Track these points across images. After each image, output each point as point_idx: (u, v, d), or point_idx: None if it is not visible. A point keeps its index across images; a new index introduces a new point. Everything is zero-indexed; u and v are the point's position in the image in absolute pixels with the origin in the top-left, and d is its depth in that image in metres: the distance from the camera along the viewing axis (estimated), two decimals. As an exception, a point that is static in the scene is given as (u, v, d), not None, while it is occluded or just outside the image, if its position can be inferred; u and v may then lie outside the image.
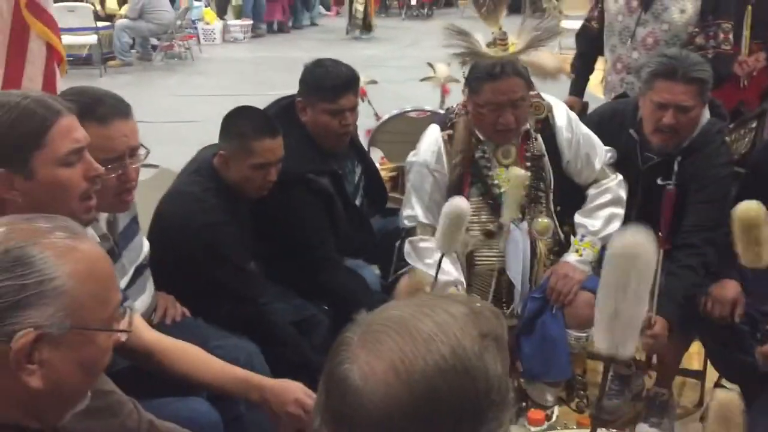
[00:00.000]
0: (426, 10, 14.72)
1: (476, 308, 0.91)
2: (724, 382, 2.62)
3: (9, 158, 1.34)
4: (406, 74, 7.47)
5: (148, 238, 2.07)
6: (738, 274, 2.38)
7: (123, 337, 1.10)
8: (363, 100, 3.74)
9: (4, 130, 1.33)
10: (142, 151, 1.71)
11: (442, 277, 2.37)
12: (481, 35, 2.32)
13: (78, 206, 1.41)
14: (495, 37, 2.29)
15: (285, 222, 2.41)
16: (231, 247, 2.19)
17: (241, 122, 2.24)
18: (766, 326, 2.19)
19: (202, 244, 2.14)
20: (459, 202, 1.90)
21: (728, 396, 1.25)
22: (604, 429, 2.08)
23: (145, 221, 2.14)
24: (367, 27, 11.82)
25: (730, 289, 2.35)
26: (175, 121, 6.64)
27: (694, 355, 2.78)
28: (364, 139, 3.49)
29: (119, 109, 1.67)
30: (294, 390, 1.66)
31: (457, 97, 2.84)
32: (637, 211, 2.58)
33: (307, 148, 2.46)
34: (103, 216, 1.79)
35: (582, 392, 2.64)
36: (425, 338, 0.84)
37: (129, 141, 1.67)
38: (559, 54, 3.24)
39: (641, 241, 1.29)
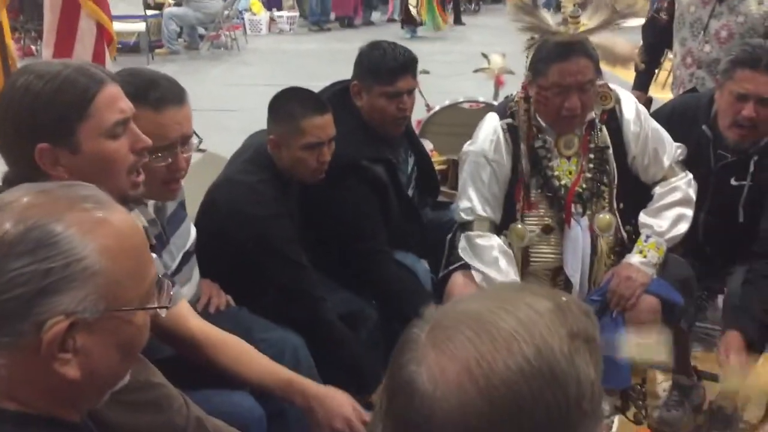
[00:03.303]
0: (473, 5, 14.56)
1: (563, 304, 0.78)
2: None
3: (53, 132, 1.25)
4: (452, 69, 7.36)
5: (196, 225, 2.00)
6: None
7: (163, 312, 1.00)
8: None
9: (46, 101, 1.24)
10: (194, 140, 1.63)
11: (498, 278, 2.26)
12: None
13: (125, 181, 1.33)
14: (565, 15, 2.16)
15: (335, 211, 2.32)
16: (285, 240, 2.11)
17: (288, 103, 2.16)
18: None
19: (255, 236, 2.06)
20: None
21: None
22: None
23: (190, 206, 2.07)
24: (411, 20, 11.64)
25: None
26: (220, 110, 6.63)
27: (761, 369, 2.61)
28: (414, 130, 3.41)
29: (174, 94, 1.58)
30: (341, 403, 1.58)
31: (511, 89, 2.72)
32: (707, 213, 2.44)
33: (361, 134, 2.37)
34: (151, 201, 1.72)
35: (641, 402, 2.50)
36: (506, 337, 0.72)
37: (182, 129, 1.58)
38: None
39: None
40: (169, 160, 1.57)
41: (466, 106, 3.39)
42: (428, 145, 3.47)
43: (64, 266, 0.87)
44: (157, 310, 0.98)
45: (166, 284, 1.01)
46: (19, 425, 0.89)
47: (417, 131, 3.38)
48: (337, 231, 2.34)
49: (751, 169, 2.31)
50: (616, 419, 2.18)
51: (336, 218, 2.33)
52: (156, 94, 1.54)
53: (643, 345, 2.19)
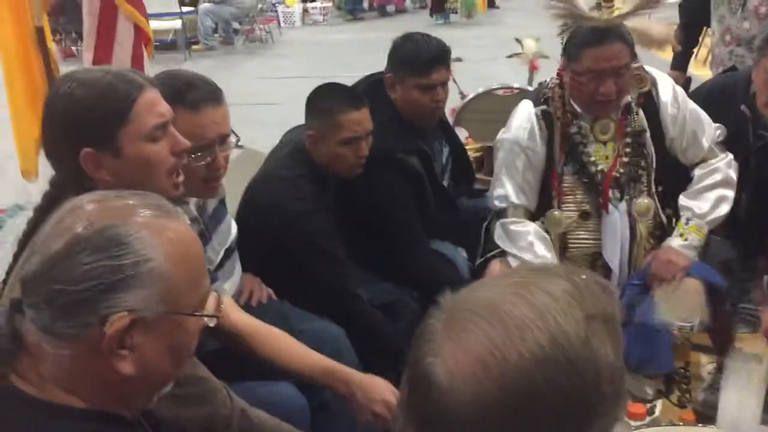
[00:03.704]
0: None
1: (581, 283, 0.77)
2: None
3: (95, 137, 1.30)
4: (486, 54, 7.31)
5: (236, 220, 2.04)
6: None
7: (212, 322, 1.05)
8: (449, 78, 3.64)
9: (89, 107, 1.29)
10: (232, 138, 1.66)
11: (536, 261, 2.26)
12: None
13: (166, 182, 1.37)
14: (599, 0, 2.14)
15: (372, 203, 2.34)
16: (324, 236, 2.14)
17: (325, 99, 2.19)
18: None
19: (294, 231, 2.10)
20: None
21: None
22: (712, 427, 1.94)
23: (230, 202, 2.11)
24: (441, 8, 11.55)
25: None
26: (257, 104, 6.70)
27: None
28: (449, 119, 3.40)
29: (211, 94, 1.62)
30: (382, 389, 1.60)
31: (546, 74, 2.70)
32: (749, 194, 2.40)
33: (396, 126, 2.39)
34: (193, 199, 1.76)
35: (684, 386, 2.47)
36: (518, 325, 0.72)
37: (219, 128, 1.62)
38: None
39: None
40: (209, 159, 1.61)
41: (500, 92, 3.37)
42: (463, 132, 3.47)
43: (134, 265, 0.92)
44: (208, 318, 1.03)
45: (216, 296, 1.06)
46: (86, 421, 0.94)
47: (452, 120, 3.39)
48: (374, 223, 2.37)
49: (793, 148, 2.27)
50: (659, 403, 2.17)
51: (373, 211, 2.36)
52: (193, 95, 1.59)
53: (677, 303, 2.19)
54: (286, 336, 1.69)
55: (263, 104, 6.73)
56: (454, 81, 3.45)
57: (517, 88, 3.34)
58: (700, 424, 2.04)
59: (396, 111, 2.43)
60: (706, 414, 2.46)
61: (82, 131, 1.30)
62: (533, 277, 0.78)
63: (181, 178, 1.41)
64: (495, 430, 0.71)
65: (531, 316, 0.72)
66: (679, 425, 1.93)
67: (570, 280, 0.77)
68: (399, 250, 2.38)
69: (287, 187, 2.15)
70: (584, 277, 0.79)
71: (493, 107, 3.27)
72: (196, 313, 0.99)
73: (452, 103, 3.46)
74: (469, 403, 0.70)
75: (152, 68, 2.29)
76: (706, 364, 2.71)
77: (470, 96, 3.42)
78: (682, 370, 2.48)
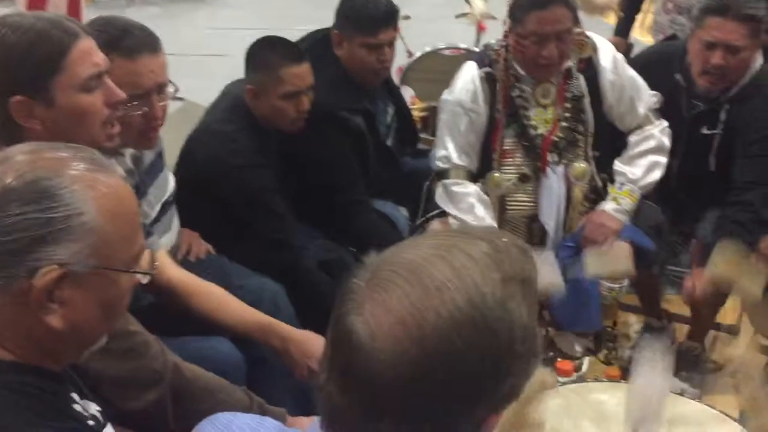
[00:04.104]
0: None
1: (501, 245, 0.79)
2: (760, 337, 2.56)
3: (27, 84, 1.27)
4: (436, 12, 7.25)
5: (175, 174, 2.02)
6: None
7: (144, 279, 1.04)
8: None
9: (20, 54, 1.25)
10: (170, 88, 1.63)
11: (474, 224, 2.31)
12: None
13: (100, 133, 1.34)
14: None
15: (314, 161, 2.34)
16: (264, 190, 2.14)
17: (265, 52, 2.16)
18: None
19: (234, 185, 2.09)
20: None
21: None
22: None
23: (170, 156, 2.08)
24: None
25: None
26: (202, 55, 6.54)
27: (729, 310, 2.70)
28: (395, 77, 3.39)
29: (148, 42, 1.58)
30: (318, 345, 1.61)
31: (493, 35, 2.72)
32: (681, 160, 2.48)
33: (340, 84, 2.38)
34: (129, 151, 1.73)
35: (611, 344, 2.58)
36: (438, 286, 0.73)
37: (156, 77, 1.59)
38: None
39: None
40: (145, 108, 1.57)
41: (447, 52, 3.37)
42: (409, 92, 3.47)
43: (65, 218, 0.91)
44: (140, 275, 1.02)
45: (150, 252, 1.05)
46: (13, 373, 0.93)
47: (398, 78, 3.38)
48: (315, 181, 2.37)
49: (722, 117, 2.34)
50: (586, 360, 2.26)
51: (315, 168, 2.36)
52: (129, 42, 1.55)
53: (604, 258, 2.27)
54: (223, 292, 1.70)
55: (212, 56, 6.56)
56: (402, 39, 3.44)
57: (463, 49, 3.34)
58: (623, 381, 2.15)
59: (341, 69, 2.41)
60: (628, 369, 2.58)
61: (12, 78, 1.26)
62: (455, 239, 0.79)
63: (116, 129, 1.38)
64: (413, 388, 0.72)
65: (450, 277, 0.73)
66: (603, 381, 2.01)
67: (490, 242, 0.79)
68: (339, 209, 2.39)
69: (225, 140, 2.14)
70: (505, 240, 0.81)
71: (440, 67, 3.27)
72: (129, 270, 0.99)
73: (399, 61, 3.45)
74: (389, 361, 0.72)
75: (91, 14, 2.21)
76: (633, 323, 2.83)
77: (417, 55, 3.41)
78: (610, 329, 2.59)
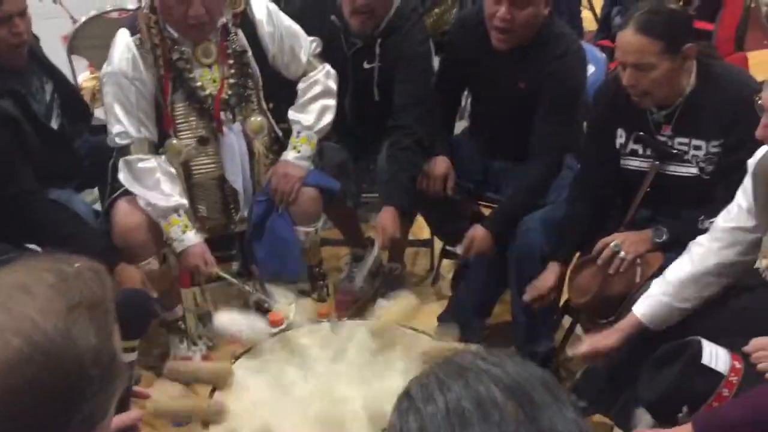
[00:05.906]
0: None
1: (70, 273, 0.82)
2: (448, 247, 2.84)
3: None
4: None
5: None
6: (446, 149, 2.51)
7: None
8: (54, 1, 3.32)
9: None
10: None
11: (161, 202, 2.25)
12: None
13: None
14: None
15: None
16: None
17: None
18: None
19: None
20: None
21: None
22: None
23: None
24: None
25: (440, 165, 2.47)
26: None
27: (424, 227, 2.95)
28: (62, 47, 3.13)
29: None
30: None
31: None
32: (351, 97, 2.60)
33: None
34: None
35: (321, 282, 2.71)
36: None
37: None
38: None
39: None
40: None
41: (114, 15, 3.16)
42: (83, 62, 3.23)
43: None
44: None
45: None
46: None
47: (65, 48, 3.13)
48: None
49: (378, 51, 2.48)
50: (293, 307, 2.32)
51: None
52: None
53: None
54: None
55: None
56: (61, 4, 3.17)
57: (131, 10, 3.15)
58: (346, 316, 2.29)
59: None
60: (345, 300, 2.74)
61: None
62: (17, 276, 0.80)
63: None
64: None
65: (6, 322, 0.76)
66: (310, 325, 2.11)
67: (59, 272, 0.81)
68: (7, 204, 2.17)
69: None
70: (78, 265, 0.83)
71: (110, 32, 3.03)
72: None
73: (63, 29, 3.18)
74: None
75: None
76: (342, 257, 2.99)
77: (82, 20, 3.17)
78: (317, 269, 2.70)
